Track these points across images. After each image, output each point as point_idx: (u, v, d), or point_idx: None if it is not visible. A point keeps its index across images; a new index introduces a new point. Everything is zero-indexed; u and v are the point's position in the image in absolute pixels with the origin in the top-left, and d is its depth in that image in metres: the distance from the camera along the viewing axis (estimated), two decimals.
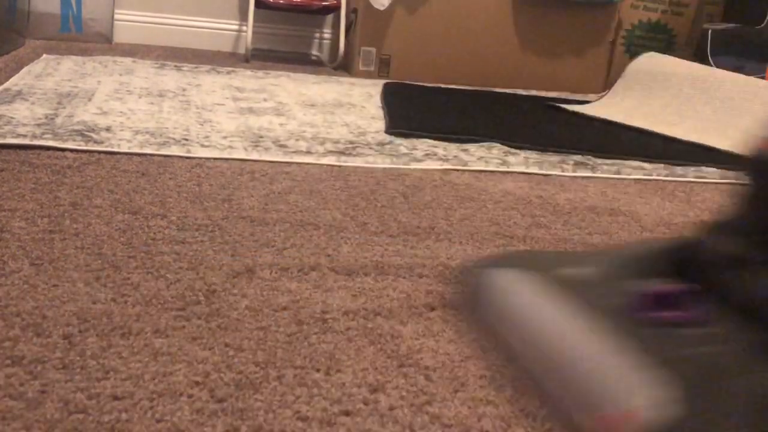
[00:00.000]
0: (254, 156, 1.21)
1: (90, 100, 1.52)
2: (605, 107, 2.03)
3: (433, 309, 0.71)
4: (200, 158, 1.17)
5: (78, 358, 0.55)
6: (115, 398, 0.51)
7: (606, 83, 2.62)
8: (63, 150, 1.13)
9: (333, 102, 1.83)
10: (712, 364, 0.46)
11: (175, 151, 1.19)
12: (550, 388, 0.53)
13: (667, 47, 2.67)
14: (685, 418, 0.44)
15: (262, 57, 2.60)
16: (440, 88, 2.25)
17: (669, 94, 1.97)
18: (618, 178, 1.35)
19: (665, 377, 0.45)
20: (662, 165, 1.48)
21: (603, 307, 0.50)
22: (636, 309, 0.49)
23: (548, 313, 0.53)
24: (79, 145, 1.15)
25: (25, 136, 1.17)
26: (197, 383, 0.54)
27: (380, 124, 1.58)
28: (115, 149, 1.16)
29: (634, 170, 1.41)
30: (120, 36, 2.65)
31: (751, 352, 0.47)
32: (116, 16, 2.62)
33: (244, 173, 1.11)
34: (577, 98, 2.36)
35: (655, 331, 0.48)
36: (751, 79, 1.95)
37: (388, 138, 1.46)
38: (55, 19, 2.50)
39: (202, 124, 1.40)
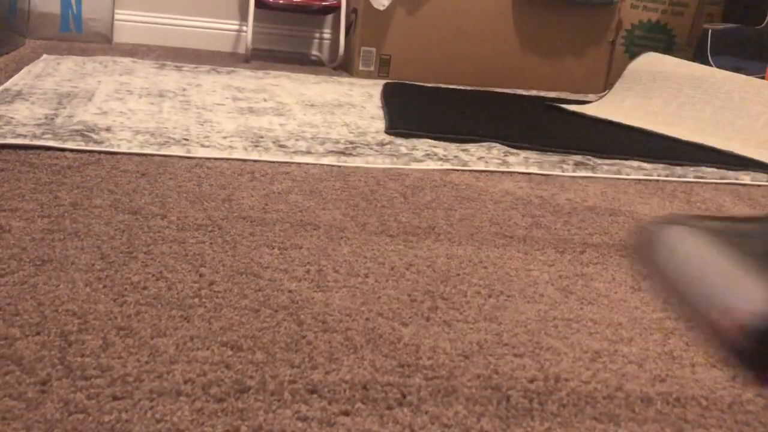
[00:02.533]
0: (254, 156, 1.21)
1: (90, 100, 1.52)
2: (605, 107, 2.03)
3: (433, 309, 0.71)
4: (200, 158, 1.17)
5: (78, 358, 0.55)
6: (115, 398, 0.51)
7: (606, 83, 2.62)
8: (63, 150, 1.13)
9: (333, 102, 1.83)
10: None
11: (175, 151, 1.19)
12: (695, 303, 0.60)
13: (667, 47, 2.67)
14: None
15: (262, 57, 2.60)
16: (440, 88, 2.25)
17: (669, 94, 1.97)
18: (618, 178, 1.35)
19: None
20: (662, 165, 1.48)
21: (746, 246, 0.61)
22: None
23: (700, 251, 0.63)
24: (79, 145, 1.15)
25: (25, 136, 1.17)
26: (197, 383, 0.54)
27: (380, 124, 1.58)
28: (115, 149, 1.16)
29: (634, 170, 1.41)
30: (120, 36, 2.65)
31: None
32: (116, 16, 2.62)
33: (244, 173, 1.11)
34: (577, 98, 2.36)
35: None
36: (751, 79, 1.95)
37: (388, 138, 1.46)
38: (55, 19, 2.50)
39: (202, 124, 1.40)
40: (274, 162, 1.20)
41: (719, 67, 2.28)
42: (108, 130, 1.28)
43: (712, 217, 0.72)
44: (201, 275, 0.73)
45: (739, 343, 0.56)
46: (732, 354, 0.58)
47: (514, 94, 2.27)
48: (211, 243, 0.82)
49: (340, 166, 1.22)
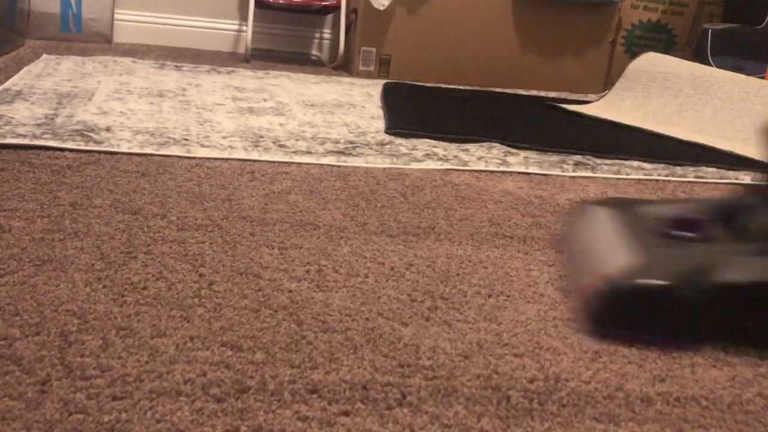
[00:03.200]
0: (254, 156, 1.21)
1: (90, 100, 1.52)
2: (605, 107, 2.03)
3: (433, 309, 0.71)
4: (200, 158, 1.17)
5: (78, 358, 0.55)
6: (115, 398, 0.51)
7: (606, 83, 2.62)
8: (63, 150, 1.13)
9: (333, 102, 1.83)
10: (687, 254, 0.67)
11: (175, 151, 1.19)
12: (578, 270, 0.72)
13: (667, 47, 2.67)
14: (638, 270, 0.66)
15: (262, 57, 2.60)
16: (440, 88, 2.25)
17: (669, 94, 1.97)
18: (618, 178, 1.35)
19: (647, 259, 0.67)
20: (662, 165, 1.48)
21: (643, 225, 0.72)
22: (663, 228, 0.71)
23: (602, 227, 0.75)
24: (79, 145, 1.15)
25: (25, 136, 1.17)
26: (197, 383, 0.54)
27: (380, 124, 1.58)
28: (115, 149, 1.16)
29: (634, 170, 1.40)
30: (120, 36, 2.65)
31: (729, 253, 0.66)
32: (116, 16, 2.62)
33: (244, 173, 1.11)
34: (577, 98, 2.36)
35: (666, 241, 0.69)
36: (751, 79, 1.95)
37: (388, 138, 1.46)
38: (55, 19, 2.50)
39: (202, 124, 1.40)
40: (274, 162, 1.20)
41: (719, 67, 2.28)
42: (108, 130, 1.28)
43: (639, 201, 0.83)
44: (201, 275, 0.73)
45: (590, 301, 0.67)
46: (585, 311, 0.67)
47: (514, 94, 2.27)
48: (211, 243, 0.82)
49: (340, 166, 1.22)
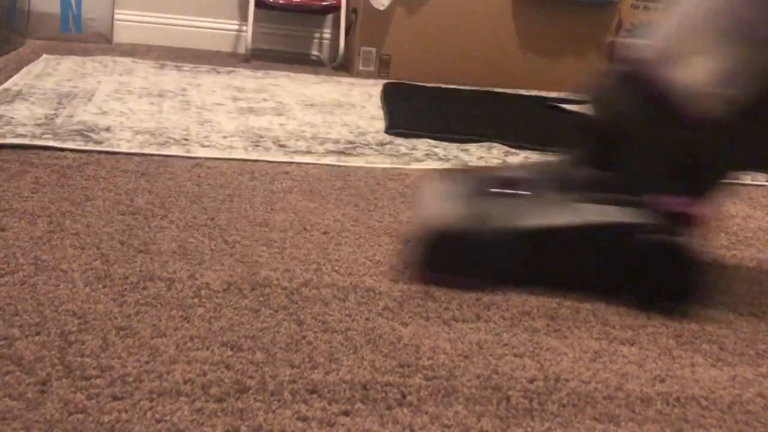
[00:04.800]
0: (254, 156, 1.21)
1: (90, 100, 1.52)
2: None
3: (433, 309, 0.71)
4: (200, 158, 1.17)
5: (78, 358, 0.55)
6: (115, 398, 0.51)
7: None
8: (63, 150, 1.13)
9: (333, 102, 1.83)
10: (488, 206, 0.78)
11: (175, 151, 1.19)
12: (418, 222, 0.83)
13: None
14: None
15: (262, 57, 2.60)
16: (440, 88, 2.25)
17: None
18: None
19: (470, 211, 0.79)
20: None
21: (474, 186, 0.81)
22: (491, 186, 0.80)
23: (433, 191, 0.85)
24: (79, 145, 1.15)
25: (25, 136, 1.17)
26: (197, 383, 0.54)
27: (380, 124, 1.58)
28: (115, 149, 1.16)
29: None
30: (120, 36, 2.65)
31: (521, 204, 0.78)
32: (116, 16, 2.62)
33: (244, 173, 1.11)
34: (577, 98, 2.36)
35: (492, 198, 0.79)
36: None
37: (388, 138, 1.46)
38: (55, 19, 2.50)
39: (202, 124, 1.40)
40: (274, 162, 1.20)
41: None
42: (108, 130, 1.28)
43: (485, 168, 0.92)
44: (201, 275, 0.73)
45: (417, 246, 0.79)
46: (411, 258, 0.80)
47: (514, 94, 2.27)
48: (211, 243, 0.82)
49: (340, 166, 1.22)
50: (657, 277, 0.75)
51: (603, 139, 0.78)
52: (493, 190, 0.80)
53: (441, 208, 0.80)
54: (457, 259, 0.77)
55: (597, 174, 0.77)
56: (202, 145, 1.24)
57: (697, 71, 0.73)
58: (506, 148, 1.46)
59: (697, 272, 0.75)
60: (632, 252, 0.74)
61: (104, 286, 0.68)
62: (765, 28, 0.71)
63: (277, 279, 0.74)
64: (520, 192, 0.79)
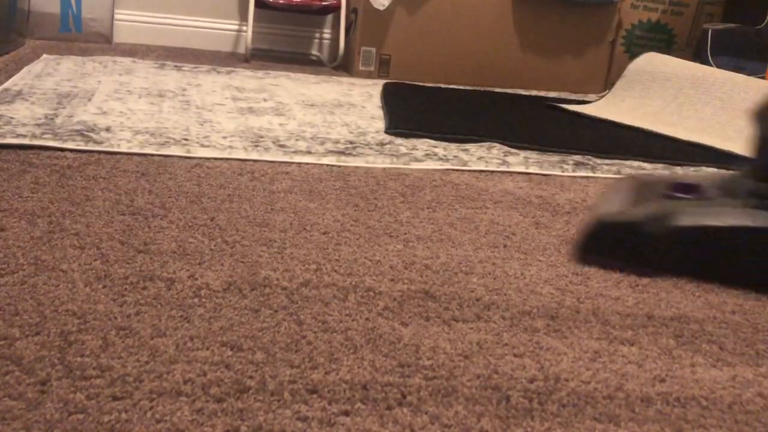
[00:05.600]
0: (254, 156, 1.21)
1: (90, 100, 1.52)
2: (605, 107, 2.03)
3: (433, 309, 0.71)
4: (200, 158, 1.17)
5: (78, 358, 0.55)
6: (115, 398, 0.51)
7: (606, 83, 2.62)
8: (63, 150, 1.13)
9: (333, 102, 1.83)
10: (668, 205, 0.87)
11: (175, 151, 1.19)
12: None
13: (667, 47, 2.67)
14: (617, 212, 0.89)
15: (262, 57, 2.60)
16: (440, 88, 2.25)
17: (669, 94, 1.97)
18: (618, 178, 1.35)
19: (632, 207, 0.90)
20: (662, 165, 1.48)
21: (649, 189, 0.93)
22: (668, 190, 0.90)
23: (618, 192, 0.95)
24: (79, 145, 1.15)
25: (25, 136, 1.17)
26: (197, 383, 0.54)
27: (380, 124, 1.58)
28: (115, 149, 1.16)
29: (634, 170, 1.41)
30: (120, 36, 2.65)
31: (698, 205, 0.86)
32: (116, 16, 2.62)
33: (244, 173, 1.11)
34: (577, 98, 2.36)
35: (662, 199, 0.89)
36: (751, 79, 1.95)
37: (388, 138, 1.46)
38: (55, 19, 2.50)
39: (202, 124, 1.40)
40: (274, 162, 1.20)
41: (719, 67, 2.28)
42: (108, 130, 1.28)
43: (665, 175, 1.00)
44: (201, 275, 0.73)
45: (584, 233, 0.89)
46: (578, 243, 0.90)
47: (514, 94, 2.27)
48: (211, 243, 0.82)
49: (340, 166, 1.22)
50: None
51: None
52: (670, 193, 0.89)
53: (620, 207, 0.89)
54: (622, 248, 0.85)
55: (764, 186, 0.86)
56: (202, 145, 1.24)
57: None
58: (506, 148, 1.46)
59: None
60: None
61: (104, 286, 0.68)
62: None
63: (277, 279, 0.74)
64: (696, 196, 0.88)
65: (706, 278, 0.84)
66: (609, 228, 0.86)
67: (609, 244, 0.86)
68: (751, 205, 0.83)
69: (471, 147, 1.45)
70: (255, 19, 2.54)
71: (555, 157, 1.44)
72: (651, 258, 0.84)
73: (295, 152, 1.26)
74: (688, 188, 0.89)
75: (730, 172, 0.91)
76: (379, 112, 1.73)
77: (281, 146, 1.29)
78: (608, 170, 1.38)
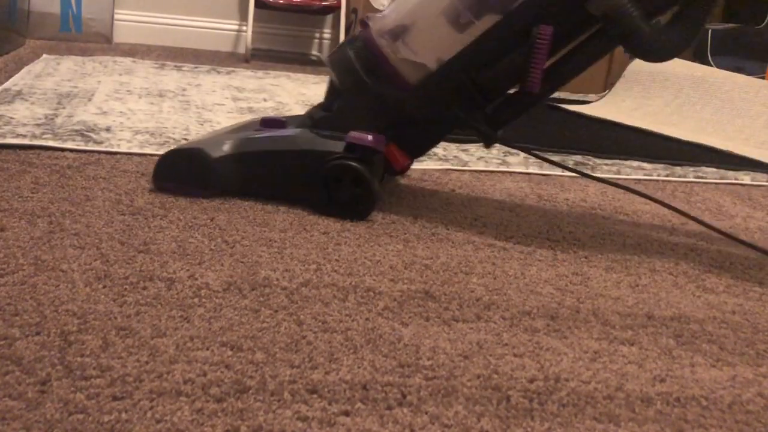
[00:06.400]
0: None
1: (90, 100, 1.52)
2: (605, 107, 2.03)
3: (433, 309, 0.71)
4: None
5: (78, 358, 0.55)
6: (115, 398, 0.51)
7: (606, 83, 2.62)
8: (63, 150, 1.13)
9: None
10: (239, 136, 1.01)
11: None
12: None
13: None
14: (189, 143, 1.01)
15: (262, 57, 2.60)
16: None
17: (669, 94, 1.98)
18: (618, 178, 1.35)
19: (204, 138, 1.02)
20: (662, 165, 1.48)
21: (249, 126, 1.06)
22: (259, 126, 1.04)
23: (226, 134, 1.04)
24: (79, 145, 1.15)
25: (24, 136, 1.17)
26: (197, 383, 0.54)
27: None
28: (115, 149, 1.16)
29: (634, 170, 1.41)
30: (120, 36, 2.65)
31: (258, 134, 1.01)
32: (116, 16, 2.62)
33: None
34: (577, 98, 2.36)
35: (254, 132, 1.02)
36: (751, 79, 1.96)
37: None
38: (55, 19, 2.50)
39: (202, 124, 1.40)
40: None
41: (719, 67, 2.28)
42: (108, 130, 1.28)
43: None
44: (201, 275, 0.73)
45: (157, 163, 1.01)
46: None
47: None
48: (210, 243, 0.82)
49: None
50: (342, 190, 0.95)
51: (331, 89, 1.01)
52: (259, 128, 1.02)
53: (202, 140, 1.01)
54: (184, 172, 0.98)
55: (322, 114, 0.99)
56: None
57: (413, 44, 0.94)
58: (506, 148, 1.46)
59: (369, 188, 0.93)
60: (325, 172, 0.95)
61: (104, 286, 0.68)
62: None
63: (277, 279, 0.74)
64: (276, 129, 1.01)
65: (264, 199, 0.98)
66: (177, 156, 0.97)
67: (180, 172, 0.97)
68: (306, 133, 0.98)
69: (471, 147, 1.45)
70: (255, 19, 2.54)
71: (555, 157, 1.44)
72: (215, 183, 0.97)
73: None
74: (275, 122, 1.01)
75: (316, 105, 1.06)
76: None
77: None
78: (608, 170, 1.38)
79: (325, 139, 0.96)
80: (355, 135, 0.93)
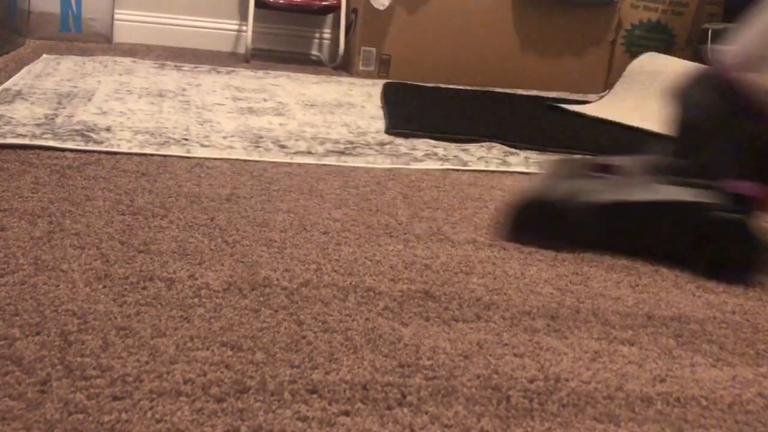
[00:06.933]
0: (254, 156, 1.21)
1: (90, 100, 1.52)
2: (605, 107, 2.03)
3: (433, 309, 0.71)
4: (200, 158, 1.17)
5: (78, 358, 0.55)
6: (115, 398, 0.51)
7: (606, 83, 2.62)
8: (63, 150, 1.13)
9: (333, 102, 1.83)
10: (584, 184, 0.92)
11: (175, 151, 1.19)
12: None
13: (667, 47, 2.67)
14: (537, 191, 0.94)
15: (262, 57, 2.60)
16: (440, 88, 2.25)
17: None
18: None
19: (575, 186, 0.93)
20: None
21: (571, 169, 0.98)
22: (590, 169, 0.95)
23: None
24: (79, 145, 1.15)
25: (25, 136, 1.17)
26: (197, 383, 0.54)
27: (380, 124, 1.58)
28: (115, 149, 1.16)
29: None
30: (120, 36, 2.65)
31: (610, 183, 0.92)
32: (116, 16, 2.62)
33: (244, 173, 1.11)
34: (577, 98, 2.36)
35: (592, 176, 0.93)
36: None
37: (388, 138, 1.46)
38: (55, 19, 2.50)
39: (202, 124, 1.40)
40: (274, 162, 1.20)
41: None
42: (108, 130, 1.28)
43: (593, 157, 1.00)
44: (201, 275, 0.73)
45: (509, 212, 0.95)
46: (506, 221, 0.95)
47: (514, 94, 2.27)
48: (211, 243, 0.82)
49: (340, 166, 1.22)
50: (722, 248, 0.86)
51: (686, 133, 0.91)
52: (589, 172, 0.93)
53: (542, 185, 0.95)
54: (541, 225, 0.92)
55: (678, 162, 0.90)
56: (202, 145, 1.24)
57: None
58: (506, 148, 1.46)
59: (758, 246, 0.84)
60: (702, 227, 0.86)
61: (104, 286, 0.68)
62: None
63: (277, 279, 0.74)
64: (611, 175, 0.92)
65: (620, 252, 0.91)
66: (528, 206, 0.93)
67: (529, 222, 0.93)
68: (665, 181, 0.88)
69: (471, 147, 1.45)
70: (255, 19, 2.54)
71: (555, 157, 1.44)
72: (568, 234, 0.91)
73: (295, 152, 1.26)
74: (605, 168, 0.94)
75: (652, 154, 0.98)
76: (379, 112, 1.73)
77: (281, 146, 1.29)
78: None
79: (697, 189, 0.86)
80: (740, 185, 0.83)
